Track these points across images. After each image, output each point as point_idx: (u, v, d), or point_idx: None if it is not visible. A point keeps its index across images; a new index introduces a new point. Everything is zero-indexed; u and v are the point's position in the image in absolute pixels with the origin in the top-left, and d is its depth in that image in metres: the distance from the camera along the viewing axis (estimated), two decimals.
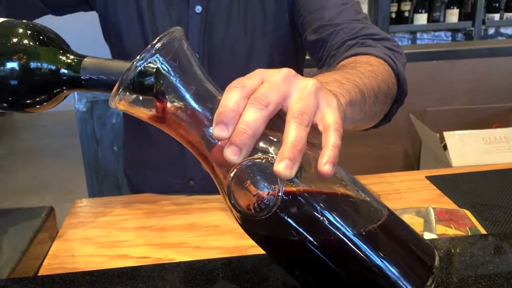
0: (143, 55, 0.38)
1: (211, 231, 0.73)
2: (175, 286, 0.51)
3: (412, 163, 1.83)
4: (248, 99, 0.38)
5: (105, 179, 1.58)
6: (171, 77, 0.39)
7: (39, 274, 0.63)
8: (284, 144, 0.36)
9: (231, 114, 0.37)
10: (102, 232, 0.74)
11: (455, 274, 0.50)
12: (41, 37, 0.46)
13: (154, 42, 0.39)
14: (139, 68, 0.38)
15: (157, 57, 0.39)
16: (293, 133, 0.36)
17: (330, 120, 0.40)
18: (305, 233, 0.38)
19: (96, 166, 1.57)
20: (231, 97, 0.37)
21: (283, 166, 0.35)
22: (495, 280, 0.48)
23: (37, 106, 0.47)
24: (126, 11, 0.87)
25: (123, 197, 0.90)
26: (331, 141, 0.38)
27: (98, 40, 1.05)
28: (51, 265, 0.66)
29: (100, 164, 1.57)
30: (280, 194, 0.37)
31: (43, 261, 0.66)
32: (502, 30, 3.39)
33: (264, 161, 0.38)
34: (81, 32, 3.61)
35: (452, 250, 0.56)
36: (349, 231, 0.38)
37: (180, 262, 0.56)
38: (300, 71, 0.97)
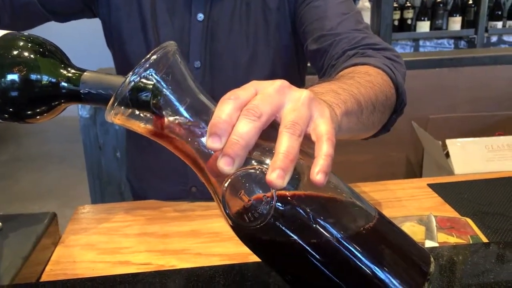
0: (136, 69, 0.39)
1: (213, 238, 0.73)
2: None
3: (414, 171, 1.83)
4: (241, 111, 0.38)
5: (107, 185, 1.58)
6: (165, 91, 0.40)
7: (41, 280, 0.64)
8: (276, 154, 0.37)
9: (224, 126, 0.37)
10: (104, 239, 0.74)
11: (456, 283, 0.50)
12: (42, 50, 0.46)
13: (148, 56, 0.39)
14: (133, 82, 0.39)
15: (150, 72, 0.39)
16: (285, 143, 0.37)
17: (322, 130, 0.40)
18: (300, 241, 0.38)
19: (99, 172, 1.57)
20: (224, 108, 0.38)
21: (275, 176, 0.36)
22: None
23: (37, 117, 0.47)
24: (130, 18, 0.88)
25: (126, 204, 0.90)
26: (323, 151, 0.39)
27: (101, 46, 1.06)
28: (53, 271, 0.66)
29: (103, 170, 1.57)
30: (273, 203, 0.38)
31: (45, 267, 0.67)
32: (505, 38, 3.39)
33: (257, 171, 0.38)
34: (85, 38, 3.63)
35: (454, 258, 0.56)
36: (341, 238, 0.38)
37: (181, 269, 0.56)
38: (302, 79, 0.98)
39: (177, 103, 0.41)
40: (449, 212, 0.78)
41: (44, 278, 0.64)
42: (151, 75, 0.39)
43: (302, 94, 0.41)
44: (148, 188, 0.99)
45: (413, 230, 0.70)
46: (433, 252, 0.56)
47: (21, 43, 0.46)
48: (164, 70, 0.40)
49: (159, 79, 0.40)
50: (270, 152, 0.38)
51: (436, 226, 0.70)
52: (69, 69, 0.46)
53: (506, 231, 0.71)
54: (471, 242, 0.67)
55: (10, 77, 0.45)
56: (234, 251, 0.68)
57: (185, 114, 0.41)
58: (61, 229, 0.76)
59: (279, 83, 0.41)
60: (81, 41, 3.78)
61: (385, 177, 0.94)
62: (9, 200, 2.91)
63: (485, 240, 0.68)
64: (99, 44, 1.19)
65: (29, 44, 0.46)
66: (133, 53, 0.89)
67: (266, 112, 0.38)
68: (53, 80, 0.46)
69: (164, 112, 0.41)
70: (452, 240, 0.67)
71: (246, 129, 0.37)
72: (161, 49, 0.40)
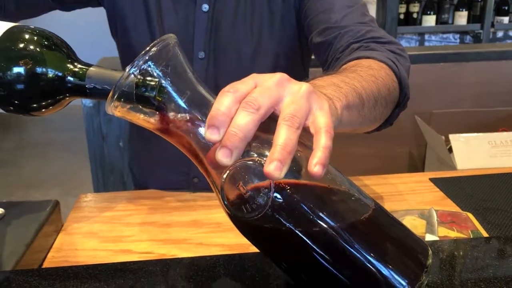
0: (135, 62, 0.39)
1: (215, 228, 0.73)
2: (177, 281, 0.52)
3: (417, 165, 1.83)
4: (240, 103, 0.39)
5: (110, 174, 1.59)
6: (165, 84, 0.40)
7: (43, 267, 0.64)
8: (274, 146, 0.37)
9: (223, 118, 0.38)
10: (106, 227, 0.75)
11: (455, 277, 0.51)
12: (48, 44, 0.47)
13: (147, 49, 0.40)
14: (132, 75, 0.39)
15: (149, 64, 0.39)
16: (283, 135, 0.37)
17: (321, 123, 0.40)
18: (297, 232, 0.39)
19: (102, 161, 1.58)
20: (223, 101, 0.38)
21: (272, 167, 0.36)
22: (495, 283, 0.48)
23: (42, 110, 0.48)
24: (134, 8, 0.88)
25: (128, 193, 0.90)
26: (321, 143, 0.39)
27: (106, 36, 1.06)
28: (55, 258, 0.66)
29: (106, 159, 1.58)
30: (270, 194, 0.38)
31: (47, 254, 0.67)
32: (511, 33, 3.37)
33: (255, 163, 0.38)
34: (89, 27, 3.63)
35: (454, 253, 0.56)
36: (338, 228, 0.39)
37: (182, 258, 0.57)
38: (305, 72, 0.97)
39: (176, 96, 0.41)
40: (450, 206, 0.78)
41: (46, 265, 0.65)
42: (151, 67, 0.40)
43: (301, 87, 0.41)
44: (150, 177, 0.99)
45: (414, 224, 0.70)
46: (434, 246, 0.56)
47: (28, 36, 0.47)
48: (163, 63, 0.40)
49: (158, 71, 0.40)
50: (269, 144, 0.38)
51: (437, 220, 0.70)
52: (75, 63, 0.46)
53: (506, 226, 0.71)
54: (471, 237, 0.67)
55: (16, 70, 0.45)
56: (235, 241, 0.68)
57: (185, 106, 0.41)
58: (63, 217, 0.76)
59: (278, 76, 0.41)
60: (85, 31, 3.78)
61: (387, 171, 0.94)
62: (12, 187, 2.92)
63: (485, 235, 0.68)
64: (104, 34, 1.19)
65: (36, 38, 0.47)
66: (137, 42, 0.89)
67: (265, 105, 0.39)
68: (59, 74, 0.46)
69: (163, 105, 0.41)
70: (453, 234, 0.67)
71: (245, 121, 0.37)
72: (160, 42, 0.40)
